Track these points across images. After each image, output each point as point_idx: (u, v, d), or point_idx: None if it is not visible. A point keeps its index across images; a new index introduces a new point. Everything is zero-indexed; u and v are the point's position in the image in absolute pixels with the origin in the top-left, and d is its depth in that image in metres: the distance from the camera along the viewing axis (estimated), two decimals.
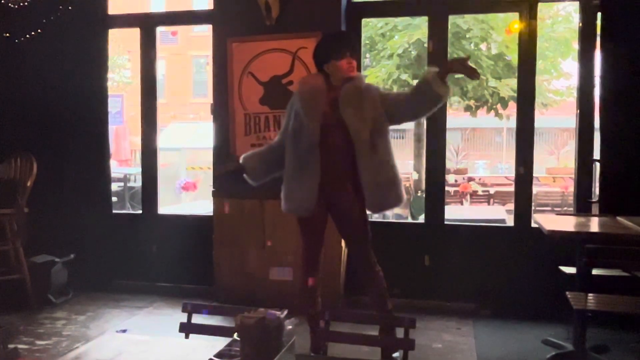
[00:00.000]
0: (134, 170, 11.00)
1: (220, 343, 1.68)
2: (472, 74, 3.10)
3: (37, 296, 4.70)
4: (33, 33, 5.01)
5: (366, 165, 3.20)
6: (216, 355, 1.54)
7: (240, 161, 3.53)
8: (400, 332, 2.26)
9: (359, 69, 4.35)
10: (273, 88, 4.73)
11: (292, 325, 1.58)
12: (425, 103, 3.19)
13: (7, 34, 5.00)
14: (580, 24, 4.52)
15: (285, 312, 1.57)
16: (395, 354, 3.20)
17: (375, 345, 3.11)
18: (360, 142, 3.20)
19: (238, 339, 1.53)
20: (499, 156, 19.51)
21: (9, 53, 5.14)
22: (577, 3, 4.59)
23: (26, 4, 4.78)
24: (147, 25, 5.24)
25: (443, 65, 3.25)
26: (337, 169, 3.26)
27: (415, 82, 3.31)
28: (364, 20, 5.00)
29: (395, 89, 9.83)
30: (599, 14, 4.30)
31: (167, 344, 1.99)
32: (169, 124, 17.63)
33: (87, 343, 2.09)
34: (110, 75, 5.54)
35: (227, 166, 3.69)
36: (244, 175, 3.52)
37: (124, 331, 4.19)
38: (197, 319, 2.35)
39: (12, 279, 4.62)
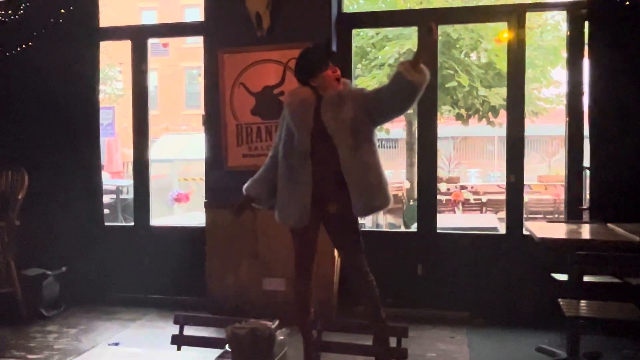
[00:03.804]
0: (126, 183, 10.96)
1: (212, 355, 1.67)
2: (430, 34, 3.03)
3: (28, 309, 4.66)
4: (24, 46, 5.01)
5: (349, 168, 3.19)
6: None
7: (244, 192, 3.53)
8: (393, 342, 2.27)
9: (349, 77, 4.38)
10: (264, 99, 4.74)
11: (284, 336, 1.58)
12: (403, 96, 3.11)
13: None
14: (568, 33, 4.57)
15: (277, 323, 1.57)
16: None
17: (369, 354, 3.09)
18: (341, 145, 3.19)
19: (229, 350, 1.53)
20: (491, 164, 19.58)
21: (0, 66, 5.12)
22: (565, 12, 4.64)
23: (17, 16, 4.78)
24: (138, 37, 5.25)
25: (415, 52, 3.16)
26: (329, 178, 3.26)
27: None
28: (354, 31, 5.03)
29: None
30: (587, 23, 4.35)
31: (158, 356, 1.99)
32: (161, 136, 17.60)
33: (77, 357, 2.08)
34: (101, 87, 5.54)
35: (236, 203, 3.60)
36: (253, 204, 3.52)
37: (117, 344, 4.16)
38: (189, 330, 2.34)
39: (3, 293, 4.59)
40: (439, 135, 4.79)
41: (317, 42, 3.86)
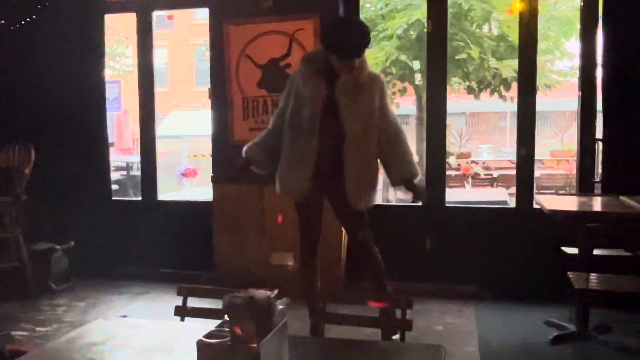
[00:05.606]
0: (136, 159, 10.97)
1: (213, 325, 1.66)
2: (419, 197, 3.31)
3: (37, 283, 4.70)
4: (28, 19, 4.97)
5: (352, 156, 3.18)
6: (206, 336, 1.52)
7: (243, 154, 3.47)
8: (399, 314, 2.25)
9: None
10: (271, 71, 4.68)
11: (284, 305, 1.56)
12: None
13: (2, 21, 4.96)
14: (582, 3, 4.44)
15: (276, 292, 1.54)
16: (395, 336, 3.17)
17: (374, 326, 3.08)
18: (350, 132, 3.16)
19: (228, 319, 1.51)
20: (503, 140, 19.38)
21: (5, 40, 5.09)
22: None
23: None
24: (143, 9, 5.19)
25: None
26: (333, 154, 3.21)
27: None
28: (362, 1, 4.93)
29: (394, 71, 9.73)
30: None
31: (160, 326, 1.98)
32: (171, 113, 17.55)
33: (81, 327, 2.08)
34: (111, 64, 5.51)
35: (236, 165, 3.57)
36: (251, 167, 3.47)
37: (125, 317, 4.18)
38: (194, 302, 2.33)
39: (12, 267, 4.62)
40: (451, 110, 4.72)
41: (358, 26, 3.40)
